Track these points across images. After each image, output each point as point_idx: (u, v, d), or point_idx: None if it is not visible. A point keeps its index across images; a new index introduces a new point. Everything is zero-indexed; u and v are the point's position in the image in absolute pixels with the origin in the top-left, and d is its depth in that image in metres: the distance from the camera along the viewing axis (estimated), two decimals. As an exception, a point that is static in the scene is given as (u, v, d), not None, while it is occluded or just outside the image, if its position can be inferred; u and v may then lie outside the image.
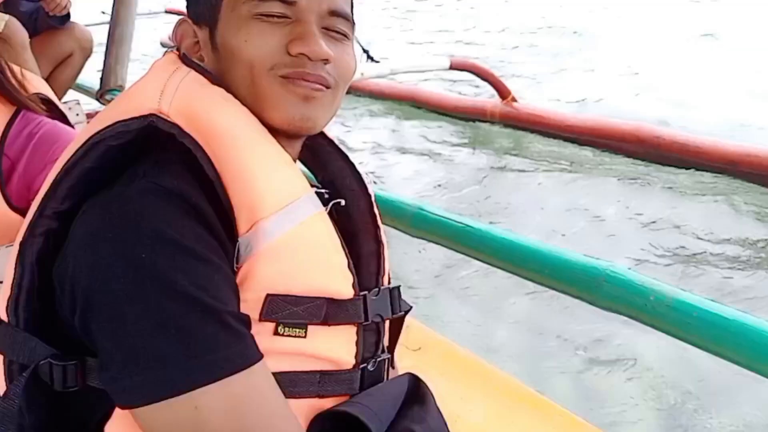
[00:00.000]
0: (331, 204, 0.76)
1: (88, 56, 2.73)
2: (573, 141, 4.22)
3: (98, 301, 0.61)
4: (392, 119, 5.10)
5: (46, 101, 1.30)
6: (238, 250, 0.66)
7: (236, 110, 0.71)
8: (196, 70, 0.73)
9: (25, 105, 1.23)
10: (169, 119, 0.67)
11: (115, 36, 2.77)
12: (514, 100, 4.51)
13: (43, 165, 1.21)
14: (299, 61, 0.73)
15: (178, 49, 0.79)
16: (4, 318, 0.69)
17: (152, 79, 0.72)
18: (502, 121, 4.54)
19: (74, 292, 0.63)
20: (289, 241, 0.68)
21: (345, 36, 0.78)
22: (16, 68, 1.26)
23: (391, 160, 4.38)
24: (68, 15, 2.45)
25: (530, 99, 4.76)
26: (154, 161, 0.68)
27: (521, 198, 3.76)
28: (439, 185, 3.97)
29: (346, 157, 0.86)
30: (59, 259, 0.67)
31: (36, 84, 1.32)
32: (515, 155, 4.26)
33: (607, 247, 2.94)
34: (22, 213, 1.22)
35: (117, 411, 0.64)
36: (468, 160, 4.30)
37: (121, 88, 2.85)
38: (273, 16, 0.73)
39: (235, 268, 0.66)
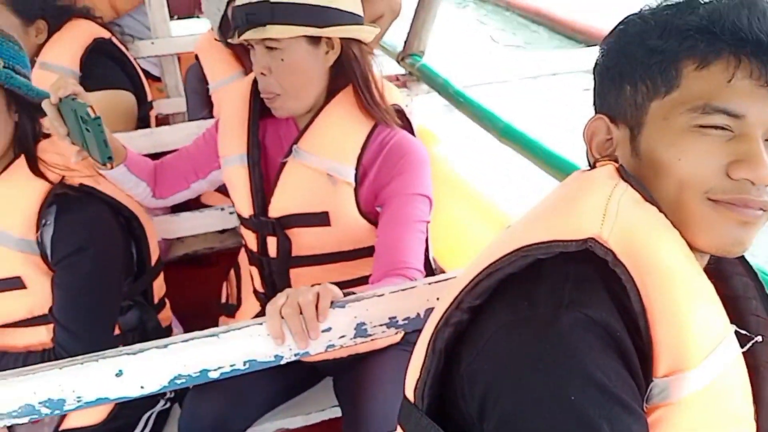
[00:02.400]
0: (749, 344, 0.70)
1: (395, 18, 2.82)
2: None
3: (518, 428, 0.63)
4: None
5: (398, 110, 1.36)
6: (651, 390, 0.64)
7: (675, 241, 0.67)
8: (632, 186, 0.69)
9: (385, 121, 1.29)
10: (606, 245, 0.65)
11: (425, 1, 2.81)
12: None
13: (390, 178, 1.28)
14: (741, 186, 0.66)
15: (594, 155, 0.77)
16: (410, 398, 0.75)
17: (593, 195, 0.69)
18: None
19: (488, 403, 0.65)
20: (708, 392, 0.64)
21: None
22: (379, 79, 1.33)
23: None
24: None
25: None
26: (577, 280, 0.66)
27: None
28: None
29: (754, 273, 0.78)
30: (471, 356, 0.69)
31: (390, 92, 1.39)
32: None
33: None
34: (367, 218, 1.32)
35: None
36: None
37: (421, 54, 2.91)
38: (713, 128, 0.67)
39: (644, 408, 0.64)
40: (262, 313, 1.45)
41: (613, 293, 0.66)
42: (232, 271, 1.62)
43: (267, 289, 1.43)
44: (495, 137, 2.25)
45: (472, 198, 2.24)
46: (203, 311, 1.65)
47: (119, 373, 0.86)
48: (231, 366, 0.89)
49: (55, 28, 1.94)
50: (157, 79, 2.59)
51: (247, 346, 0.90)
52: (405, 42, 2.91)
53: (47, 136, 1.30)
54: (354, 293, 0.99)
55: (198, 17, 4.70)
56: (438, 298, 0.94)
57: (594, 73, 0.80)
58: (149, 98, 2.15)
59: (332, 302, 0.93)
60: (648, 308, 0.64)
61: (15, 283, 1.26)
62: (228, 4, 1.83)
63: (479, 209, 2.16)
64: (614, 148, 0.76)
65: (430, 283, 0.95)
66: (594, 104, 0.81)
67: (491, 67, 3.07)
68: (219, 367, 0.89)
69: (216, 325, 1.63)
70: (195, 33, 2.54)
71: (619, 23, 0.78)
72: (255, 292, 1.47)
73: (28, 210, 1.23)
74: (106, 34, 2.02)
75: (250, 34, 1.19)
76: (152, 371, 0.87)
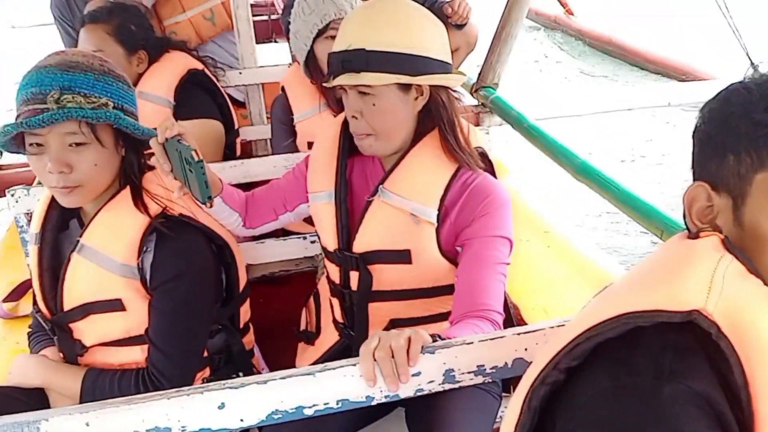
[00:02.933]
0: None
1: (471, 51, 2.86)
2: None
3: None
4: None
5: (481, 153, 1.39)
6: None
7: None
8: (737, 257, 0.70)
9: (468, 164, 1.32)
10: (710, 318, 0.67)
11: (502, 35, 2.83)
12: None
13: (471, 219, 1.30)
14: None
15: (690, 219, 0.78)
16: None
17: (698, 267, 0.70)
18: None
19: None
20: None
21: None
22: (464, 124, 1.36)
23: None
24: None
25: None
26: (677, 350, 0.68)
27: None
28: None
29: None
30: (566, 417, 0.72)
31: (473, 135, 1.41)
32: None
33: None
34: (447, 257, 1.35)
35: None
36: None
37: (495, 86, 2.93)
38: None
39: None
40: (341, 343, 1.51)
41: (715, 365, 0.67)
42: (311, 299, 1.68)
43: (347, 320, 1.47)
44: (570, 174, 2.24)
45: (542, 230, 2.24)
46: (278, 331, 1.71)
47: (221, 406, 0.91)
48: (325, 404, 0.93)
49: (154, 59, 2.07)
50: (240, 105, 2.70)
51: (340, 386, 0.94)
52: (479, 74, 2.94)
53: (152, 168, 1.39)
54: (440, 337, 1.03)
55: (276, 41, 4.85)
56: (526, 349, 0.97)
57: (693, 138, 0.82)
58: (236, 126, 2.25)
59: (422, 347, 0.96)
60: (750, 382, 0.65)
61: (116, 305, 1.34)
62: (314, 41, 1.91)
63: (549, 242, 2.16)
64: (715, 215, 0.76)
65: (518, 334, 0.97)
66: (693, 169, 0.82)
67: (565, 101, 3.06)
68: (314, 405, 0.93)
69: (291, 346, 1.70)
70: (279, 63, 2.65)
71: (722, 91, 0.79)
72: (335, 321, 1.52)
73: (131, 237, 1.31)
74: (199, 66, 2.14)
75: (344, 80, 1.25)
76: (252, 405, 0.92)
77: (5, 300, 1.98)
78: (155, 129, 1.32)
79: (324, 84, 1.32)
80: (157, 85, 2.04)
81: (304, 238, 1.79)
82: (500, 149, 3.02)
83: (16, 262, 2.19)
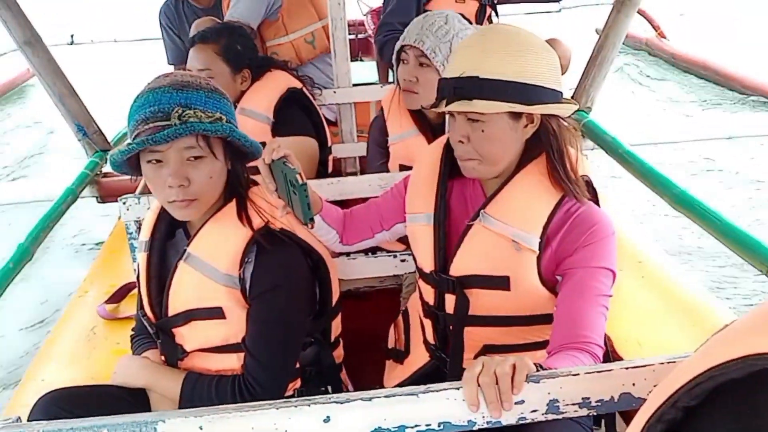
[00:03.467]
0: None
1: (564, 73, 2.83)
2: None
3: None
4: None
5: (586, 182, 1.37)
6: None
7: None
8: None
9: (574, 194, 1.30)
10: None
11: (597, 59, 2.80)
12: None
13: (574, 248, 1.28)
14: None
15: None
16: None
17: None
18: None
19: None
20: None
21: None
22: (572, 153, 1.34)
23: None
24: None
25: None
26: None
27: None
28: None
29: None
30: None
31: (580, 163, 1.39)
32: None
33: None
34: (547, 286, 1.33)
35: None
36: None
37: (588, 110, 2.89)
38: None
39: None
40: (431, 364, 1.51)
41: None
42: (399, 318, 1.69)
43: (438, 342, 1.47)
44: (668, 203, 2.18)
45: (635, 260, 2.17)
46: (360, 346, 1.72)
47: (327, 419, 0.93)
48: (427, 425, 0.94)
49: (257, 77, 2.15)
50: (331, 123, 2.77)
51: (443, 408, 0.94)
52: (572, 97, 2.91)
53: (256, 183, 1.44)
54: (542, 367, 1.01)
55: (361, 60, 4.95)
56: (634, 384, 0.94)
57: None
58: (329, 143, 2.31)
59: (527, 376, 0.95)
60: None
61: (217, 313, 1.39)
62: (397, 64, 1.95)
63: (644, 272, 2.09)
64: None
65: (627, 368, 0.95)
66: None
67: (660, 127, 2.98)
68: (416, 425, 0.94)
69: (373, 362, 1.71)
70: (365, 82, 2.71)
71: None
72: (425, 342, 1.52)
73: (234, 249, 1.36)
74: (298, 84, 2.21)
75: (456, 106, 1.25)
76: (356, 421, 0.93)
77: (107, 302, 2.09)
78: (260, 142, 1.37)
79: (433, 109, 1.33)
80: (259, 103, 2.13)
81: (395, 256, 1.81)
82: (591, 174, 2.95)
83: (118, 265, 2.32)
